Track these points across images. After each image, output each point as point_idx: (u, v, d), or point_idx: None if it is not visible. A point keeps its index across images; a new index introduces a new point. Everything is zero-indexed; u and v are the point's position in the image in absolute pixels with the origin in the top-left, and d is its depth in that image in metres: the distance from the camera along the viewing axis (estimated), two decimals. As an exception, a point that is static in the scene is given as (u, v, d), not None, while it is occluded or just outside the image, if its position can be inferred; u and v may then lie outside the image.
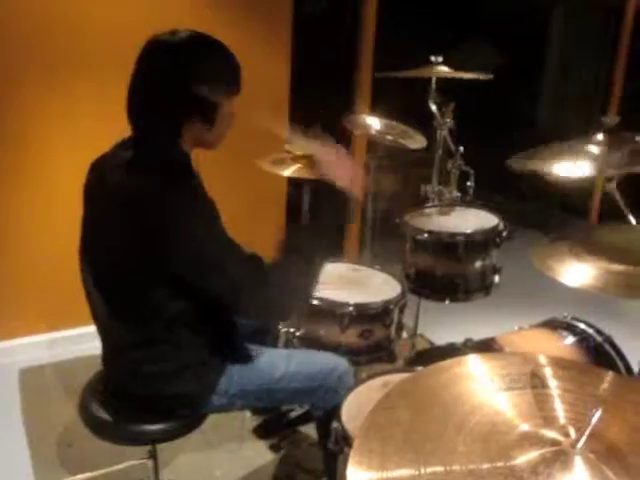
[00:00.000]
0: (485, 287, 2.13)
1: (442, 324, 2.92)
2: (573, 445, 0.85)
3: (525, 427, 0.92)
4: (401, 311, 2.04)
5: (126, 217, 1.44)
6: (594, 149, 1.52)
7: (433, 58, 2.13)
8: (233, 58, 1.48)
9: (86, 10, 2.53)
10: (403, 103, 2.82)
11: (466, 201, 2.27)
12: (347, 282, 2.09)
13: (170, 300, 1.49)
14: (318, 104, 2.82)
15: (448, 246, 2.05)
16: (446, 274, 2.09)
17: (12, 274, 2.69)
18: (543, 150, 1.58)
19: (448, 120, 2.26)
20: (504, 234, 2.07)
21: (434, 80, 2.18)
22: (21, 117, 2.55)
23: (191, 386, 1.58)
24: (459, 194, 2.29)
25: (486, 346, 1.98)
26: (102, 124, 2.22)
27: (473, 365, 1.07)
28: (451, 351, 1.95)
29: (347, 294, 1.96)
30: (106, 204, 1.50)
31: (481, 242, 2.05)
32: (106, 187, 1.50)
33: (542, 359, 1.09)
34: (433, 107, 2.22)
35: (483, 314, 2.89)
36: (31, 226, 2.68)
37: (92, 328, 1.64)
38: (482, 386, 1.01)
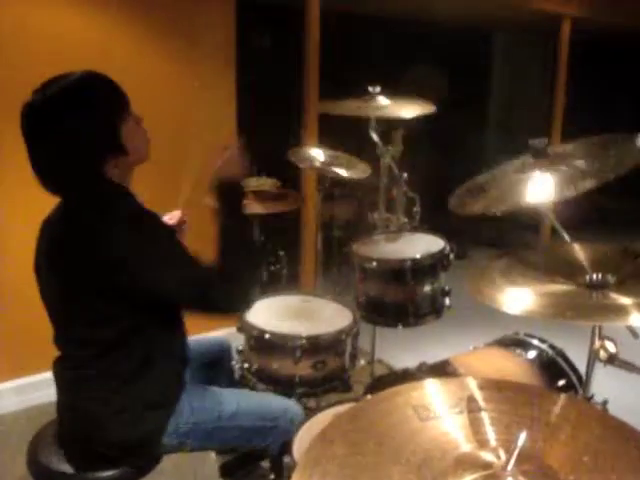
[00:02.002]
0: (436, 310, 2.16)
1: (401, 348, 2.94)
2: (504, 467, 0.87)
3: (460, 452, 0.93)
4: (354, 339, 2.05)
5: (71, 261, 1.45)
6: (525, 173, 1.57)
7: (371, 88, 2.18)
8: (106, 84, 1.47)
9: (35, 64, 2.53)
10: (350, 132, 2.87)
11: (413, 226, 2.31)
12: (299, 314, 2.10)
13: (122, 338, 1.50)
14: (266, 138, 2.85)
15: (396, 272, 2.07)
16: (396, 300, 2.11)
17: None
18: (480, 188, 1.62)
19: (390, 147, 2.31)
20: (451, 257, 2.11)
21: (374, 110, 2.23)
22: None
23: (139, 430, 1.56)
24: (406, 220, 2.33)
25: (440, 369, 2.00)
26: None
27: (412, 393, 1.09)
28: (405, 376, 1.96)
29: (299, 326, 1.97)
30: (47, 256, 1.51)
31: (428, 266, 2.08)
32: (45, 241, 1.52)
33: (479, 382, 1.11)
34: (374, 136, 2.26)
35: (440, 336, 2.93)
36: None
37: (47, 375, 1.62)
38: (419, 414, 1.02)
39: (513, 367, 2.06)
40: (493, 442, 0.94)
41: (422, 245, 2.18)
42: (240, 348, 2.03)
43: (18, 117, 1.44)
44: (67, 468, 1.56)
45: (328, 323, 2.01)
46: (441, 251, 2.10)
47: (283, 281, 3.56)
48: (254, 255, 1.60)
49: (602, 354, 1.18)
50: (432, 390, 1.10)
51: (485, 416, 1.02)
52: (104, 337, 1.50)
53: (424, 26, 4.34)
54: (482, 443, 0.95)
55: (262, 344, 1.93)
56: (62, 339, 1.56)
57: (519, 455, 0.88)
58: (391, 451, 0.93)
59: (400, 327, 2.16)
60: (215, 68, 2.93)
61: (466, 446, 0.94)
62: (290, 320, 2.04)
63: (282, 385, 1.91)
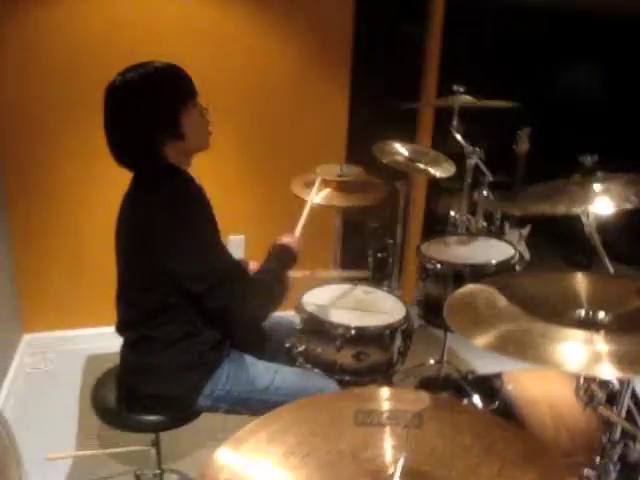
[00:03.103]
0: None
1: (477, 351, 2.85)
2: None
3: (364, 462, 0.96)
4: (406, 336, 2.06)
5: (129, 231, 1.69)
6: (573, 189, 1.49)
7: (455, 88, 2.13)
8: (176, 75, 1.64)
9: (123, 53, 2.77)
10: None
11: (490, 231, 2.24)
12: (355, 304, 2.14)
13: (167, 306, 1.69)
14: (378, 131, 2.88)
15: (454, 276, 2.04)
16: (454, 304, 2.07)
17: (88, 268, 3.04)
18: (523, 193, 1.57)
19: (478, 150, 2.25)
20: (517, 267, 2.02)
21: (457, 109, 2.18)
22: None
23: (177, 388, 1.74)
24: (485, 224, 2.26)
25: (486, 381, 1.96)
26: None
27: (363, 397, 1.12)
28: (447, 382, 1.95)
29: (349, 315, 2.02)
30: (119, 227, 1.75)
31: (489, 274, 2.02)
32: (120, 211, 1.75)
33: (436, 401, 1.11)
34: (457, 136, 2.21)
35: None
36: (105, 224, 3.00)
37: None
38: (356, 418, 1.06)
39: (566, 392, 1.94)
40: (398, 460, 0.95)
41: (490, 252, 2.11)
42: (297, 327, 2.14)
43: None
44: (117, 407, 1.80)
45: (378, 316, 2.04)
46: (507, 260, 2.02)
47: (388, 270, 3.58)
48: (281, 295, 1.72)
49: (581, 395, 1.11)
50: (386, 398, 1.12)
51: (418, 434, 1.03)
52: (151, 303, 1.69)
53: (578, 16, 4.00)
54: (395, 459, 0.97)
55: (310, 327, 2.02)
56: (119, 301, 1.78)
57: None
58: (305, 448, 0.98)
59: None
60: (331, 56, 3.01)
61: (380, 458, 0.97)
62: (344, 308, 2.10)
63: (323, 369, 1.99)
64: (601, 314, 1.11)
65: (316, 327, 2.00)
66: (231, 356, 1.83)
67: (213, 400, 1.77)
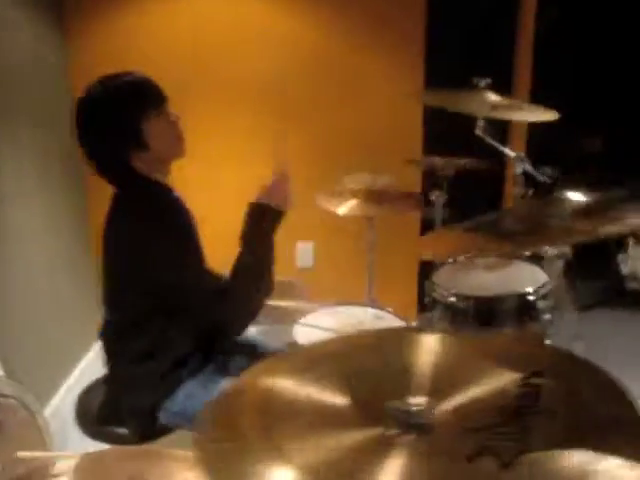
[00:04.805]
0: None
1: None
2: None
3: None
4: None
5: (105, 246, 1.70)
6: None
7: (476, 80, 1.74)
8: (138, 84, 1.60)
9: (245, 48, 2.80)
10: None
11: (527, 255, 1.82)
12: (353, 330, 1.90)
13: (134, 320, 1.68)
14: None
15: (462, 313, 1.69)
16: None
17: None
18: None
19: (522, 155, 1.84)
20: (540, 305, 1.61)
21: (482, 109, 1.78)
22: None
23: (136, 401, 1.71)
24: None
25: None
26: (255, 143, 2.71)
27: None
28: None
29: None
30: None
31: (504, 310, 1.64)
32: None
33: None
34: (487, 139, 1.81)
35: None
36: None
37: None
38: None
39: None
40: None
41: (517, 280, 1.72)
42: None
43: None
44: (93, 415, 1.81)
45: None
46: (523, 295, 1.62)
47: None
48: (264, 283, 1.60)
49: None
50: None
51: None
52: (120, 317, 1.71)
53: None
54: None
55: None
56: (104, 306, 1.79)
57: None
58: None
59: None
60: (403, 58, 2.76)
61: None
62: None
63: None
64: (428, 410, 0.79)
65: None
66: (199, 376, 1.74)
67: (170, 416, 1.70)
